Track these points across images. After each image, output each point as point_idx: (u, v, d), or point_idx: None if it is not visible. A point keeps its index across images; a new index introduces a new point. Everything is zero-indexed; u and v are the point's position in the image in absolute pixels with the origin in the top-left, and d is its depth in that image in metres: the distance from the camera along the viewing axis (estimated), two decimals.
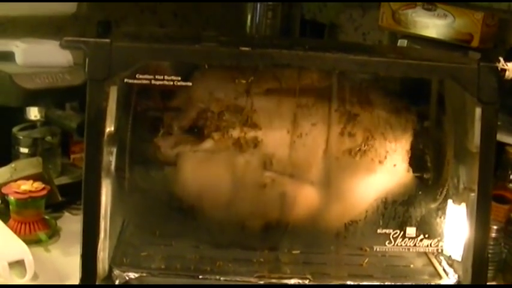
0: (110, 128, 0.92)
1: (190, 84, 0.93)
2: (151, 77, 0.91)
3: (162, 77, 0.91)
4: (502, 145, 1.22)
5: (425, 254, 1.05)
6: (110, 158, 0.95)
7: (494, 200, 1.18)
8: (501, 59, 0.94)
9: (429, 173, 1.05)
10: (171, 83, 0.92)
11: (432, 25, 1.38)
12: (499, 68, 0.93)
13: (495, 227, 1.12)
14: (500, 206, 1.19)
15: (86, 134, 0.90)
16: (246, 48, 0.90)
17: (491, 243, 1.11)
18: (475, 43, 1.34)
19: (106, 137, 0.91)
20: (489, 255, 1.10)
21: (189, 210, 1.03)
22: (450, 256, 1.02)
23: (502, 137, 1.22)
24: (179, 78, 0.92)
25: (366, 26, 1.72)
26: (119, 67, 0.89)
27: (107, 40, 0.89)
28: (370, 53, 1.02)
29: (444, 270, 1.02)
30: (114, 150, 0.97)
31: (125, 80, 0.91)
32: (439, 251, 1.02)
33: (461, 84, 0.94)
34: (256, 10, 1.61)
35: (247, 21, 1.62)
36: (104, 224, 0.92)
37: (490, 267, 1.11)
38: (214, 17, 1.84)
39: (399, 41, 1.43)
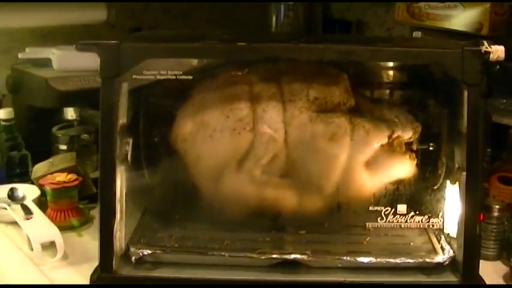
0: (122, 120, 1.03)
1: (190, 77, 1.02)
2: (156, 72, 1.01)
3: (166, 72, 1.01)
4: (507, 128, 1.25)
5: (426, 232, 1.10)
6: (126, 147, 1.06)
7: (500, 181, 1.22)
8: (485, 42, 0.98)
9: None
10: (174, 76, 1.01)
11: (443, 16, 1.42)
12: (483, 51, 0.97)
13: (498, 207, 1.15)
14: (505, 187, 1.22)
15: (100, 126, 1.01)
16: (241, 44, 0.98)
17: (495, 222, 1.15)
18: (484, 31, 1.36)
19: (119, 128, 1.01)
20: (493, 233, 1.15)
21: (203, 197, 1.12)
22: (449, 234, 1.07)
23: (507, 120, 1.26)
24: (181, 72, 1.01)
25: (389, 21, 1.77)
26: (126, 65, 0.99)
27: (116, 41, 0.99)
28: (362, 43, 1.08)
29: (442, 247, 1.06)
30: (130, 140, 1.07)
31: (134, 76, 1.01)
32: (434, 227, 1.07)
33: (446, 68, 0.99)
34: (280, 11, 1.69)
35: (272, 22, 1.71)
36: (120, 207, 1.02)
37: (493, 246, 1.15)
38: (243, 20, 1.93)
39: (414, 33, 1.47)
